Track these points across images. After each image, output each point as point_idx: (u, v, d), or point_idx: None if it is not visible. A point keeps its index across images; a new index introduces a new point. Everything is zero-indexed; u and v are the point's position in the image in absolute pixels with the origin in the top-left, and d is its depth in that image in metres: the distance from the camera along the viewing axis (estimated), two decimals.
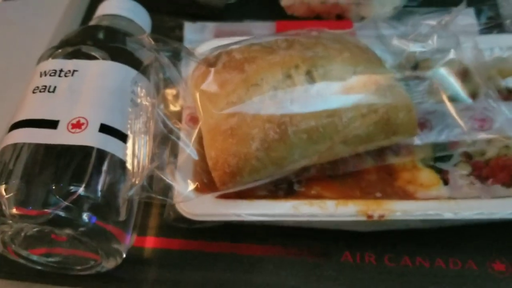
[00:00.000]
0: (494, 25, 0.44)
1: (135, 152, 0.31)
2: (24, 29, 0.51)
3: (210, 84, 0.32)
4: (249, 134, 0.30)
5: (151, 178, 0.32)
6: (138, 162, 0.31)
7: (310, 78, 0.32)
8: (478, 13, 0.46)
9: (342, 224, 0.33)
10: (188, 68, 0.36)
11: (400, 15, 0.38)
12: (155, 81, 0.35)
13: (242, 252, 0.34)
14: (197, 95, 0.33)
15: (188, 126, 0.35)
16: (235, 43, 0.35)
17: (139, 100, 0.33)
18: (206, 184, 0.32)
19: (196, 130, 0.33)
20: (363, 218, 0.31)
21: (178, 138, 0.33)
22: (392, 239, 0.34)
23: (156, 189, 0.31)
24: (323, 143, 0.31)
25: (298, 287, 0.33)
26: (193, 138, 0.33)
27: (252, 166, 0.30)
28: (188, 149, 0.32)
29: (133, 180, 0.31)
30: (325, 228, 0.34)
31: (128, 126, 0.32)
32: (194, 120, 0.35)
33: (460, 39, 0.34)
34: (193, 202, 0.31)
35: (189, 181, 0.32)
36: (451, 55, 0.34)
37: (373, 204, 0.31)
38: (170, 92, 0.36)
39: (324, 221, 0.32)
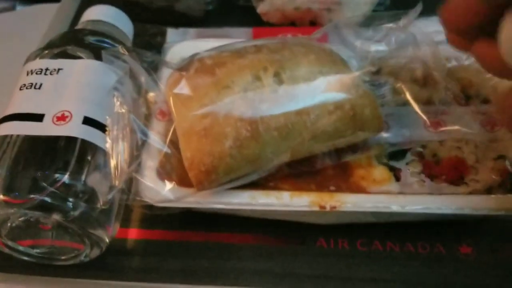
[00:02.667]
0: None
1: (114, 158, 0.33)
2: (12, 40, 0.52)
3: (183, 89, 0.33)
4: (222, 133, 0.31)
5: (130, 181, 0.33)
6: (117, 167, 0.32)
7: (278, 79, 0.33)
8: None
9: (298, 215, 0.34)
10: (164, 76, 0.37)
11: (367, 20, 0.41)
12: (130, 90, 0.36)
13: (221, 240, 0.36)
14: (171, 99, 0.34)
15: (157, 119, 0.36)
16: (206, 51, 0.36)
17: (115, 109, 0.34)
18: (184, 185, 0.33)
19: (170, 133, 0.34)
20: (316, 209, 0.32)
21: (155, 142, 0.34)
22: (365, 225, 0.35)
23: (135, 191, 0.33)
24: (293, 140, 0.32)
25: (275, 271, 0.34)
26: (167, 140, 0.34)
27: (227, 164, 0.31)
28: (164, 150, 0.34)
29: (113, 183, 0.32)
30: (285, 220, 0.35)
31: (106, 134, 0.33)
32: (162, 114, 0.37)
33: (418, 38, 0.36)
34: (154, 190, 0.33)
35: (166, 181, 0.33)
36: (409, 52, 0.36)
37: (326, 196, 0.33)
38: (146, 98, 0.37)
39: (280, 211, 0.33)
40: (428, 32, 0.37)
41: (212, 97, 0.32)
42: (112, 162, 0.32)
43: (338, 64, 0.36)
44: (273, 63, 0.34)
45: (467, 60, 0.40)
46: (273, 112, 0.32)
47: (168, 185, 0.33)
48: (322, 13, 0.48)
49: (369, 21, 0.40)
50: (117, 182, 0.32)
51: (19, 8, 0.58)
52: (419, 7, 0.38)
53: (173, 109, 0.34)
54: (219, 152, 0.31)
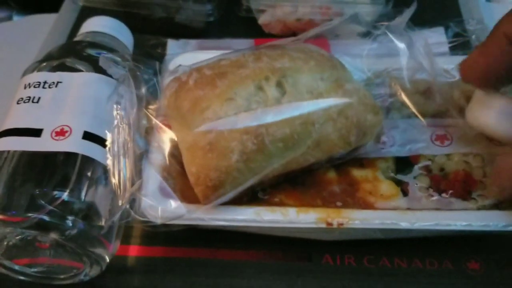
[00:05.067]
0: (461, 42, 0.46)
1: (116, 176, 0.31)
2: (9, 50, 0.52)
3: (183, 102, 0.32)
4: (228, 147, 0.30)
5: (133, 200, 0.32)
6: (120, 185, 0.31)
7: (281, 88, 0.33)
8: (446, 30, 0.47)
9: (304, 231, 0.33)
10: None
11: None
12: (130, 102, 0.35)
13: (224, 258, 0.35)
14: (172, 113, 0.33)
15: (158, 133, 0.35)
16: (204, 60, 0.35)
17: (115, 122, 0.33)
18: (189, 200, 0.32)
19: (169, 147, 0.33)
20: (323, 225, 0.32)
21: (156, 157, 0.33)
22: (371, 242, 0.35)
23: (137, 210, 0.31)
24: (299, 149, 0.32)
25: None
26: (168, 154, 0.33)
27: (234, 178, 0.31)
28: (166, 165, 0.33)
29: (117, 203, 0.31)
30: (289, 236, 0.34)
31: (107, 149, 0.32)
32: (166, 126, 0.35)
33: (413, 39, 0.35)
34: (158, 208, 0.31)
35: (171, 200, 0.32)
36: (405, 56, 0.35)
37: (333, 212, 0.32)
38: (147, 110, 0.36)
39: (286, 228, 0.32)
40: (428, 44, 0.37)
41: (215, 110, 0.31)
42: (115, 181, 0.31)
43: (338, 69, 0.35)
44: (275, 71, 0.33)
45: None
46: (278, 123, 0.31)
47: (173, 203, 0.32)
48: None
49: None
50: (121, 202, 0.31)
51: (16, 18, 0.58)
52: (413, 7, 0.37)
53: (175, 124, 0.33)
54: (225, 167, 0.30)
